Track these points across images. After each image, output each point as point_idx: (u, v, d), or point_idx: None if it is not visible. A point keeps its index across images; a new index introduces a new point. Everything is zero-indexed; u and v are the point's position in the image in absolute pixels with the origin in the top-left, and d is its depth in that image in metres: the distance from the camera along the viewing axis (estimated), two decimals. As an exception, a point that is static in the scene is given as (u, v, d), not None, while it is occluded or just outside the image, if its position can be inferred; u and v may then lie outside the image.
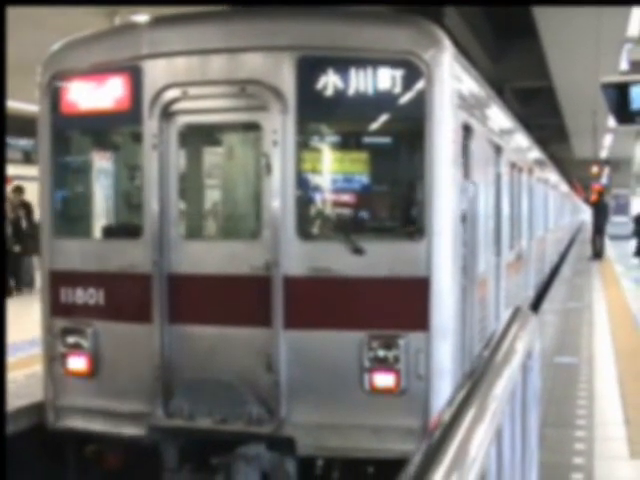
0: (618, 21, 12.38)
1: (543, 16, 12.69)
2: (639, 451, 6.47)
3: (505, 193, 11.19)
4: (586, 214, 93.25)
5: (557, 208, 28.25)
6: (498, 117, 11.01)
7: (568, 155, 41.01)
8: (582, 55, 15.69)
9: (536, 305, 15.58)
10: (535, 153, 18.52)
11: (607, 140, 31.29)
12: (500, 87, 24.78)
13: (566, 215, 39.42)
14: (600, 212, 29.80)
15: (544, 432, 6.86)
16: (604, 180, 47.76)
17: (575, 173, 56.65)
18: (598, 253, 28.31)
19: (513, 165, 12.50)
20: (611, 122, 17.52)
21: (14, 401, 7.85)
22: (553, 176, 26.29)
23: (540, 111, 30.05)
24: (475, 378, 2.78)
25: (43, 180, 7.58)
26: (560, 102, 22.09)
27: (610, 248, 32.72)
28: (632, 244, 40.43)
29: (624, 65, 11.16)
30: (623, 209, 46.60)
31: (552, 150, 37.52)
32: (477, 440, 2.28)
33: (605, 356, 10.51)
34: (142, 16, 12.05)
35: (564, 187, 38.95)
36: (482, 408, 2.52)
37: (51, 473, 7.76)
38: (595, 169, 39.91)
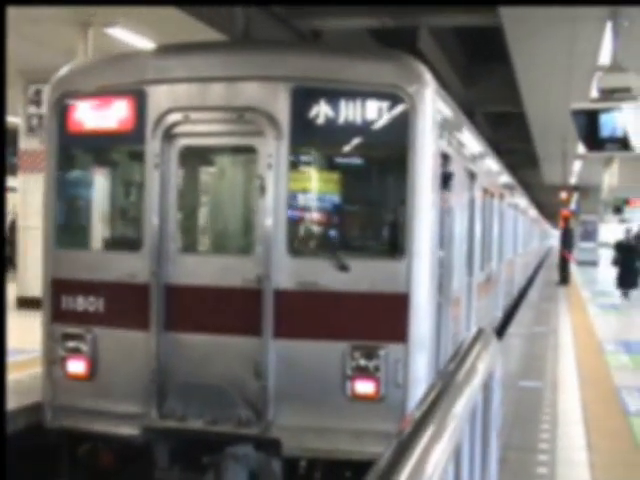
0: (590, 49, 12.50)
1: (515, 42, 12.79)
2: (601, 476, 6.50)
3: (477, 217, 11.91)
4: (554, 239, 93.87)
5: (525, 232, 29.16)
6: (473, 145, 11.58)
7: (537, 180, 41.26)
8: (553, 82, 15.82)
9: (504, 327, 16.01)
10: (506, 179, 19.22)
11: (576, 166, 31.50)
12: (471, 111, 24.92)
13: (534, 239, 39.69)
14: (567, 237, 30.15)
15: (507, 455, 6.88)
16: (573, 206, 48.12)
17: (544, 198, 56.94)
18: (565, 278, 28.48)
19: (485, 190, 13.22)
20: (580, 149, 17.65)
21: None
22: (522, 201, 27.31)
23: (511, 136, 30.25)
24: (435, 396, 2.78)
25: (47, 193, 8.05)
26: (530, 127, 22.24)
27: (577, 274, 32.92)
28: (603, 271, 40.74)
29: (594, 93, 11.26)
30: (591, 235, 46.96)
31: (522, 175, 37.74)
32: (434, 458, 2.29)
33: (569, 381, 10.55)
34: (116, 29, 12.05)
35: (533, 212, 39.25)
36: (441, 426, 2.53)
37: (47, 471, 8.09)
38: (564, 195, 40.20)
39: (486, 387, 3.62)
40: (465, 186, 10.27)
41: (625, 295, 23.75)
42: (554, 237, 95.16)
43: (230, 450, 7.17)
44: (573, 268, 30.32)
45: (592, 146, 10.92)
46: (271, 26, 14.28)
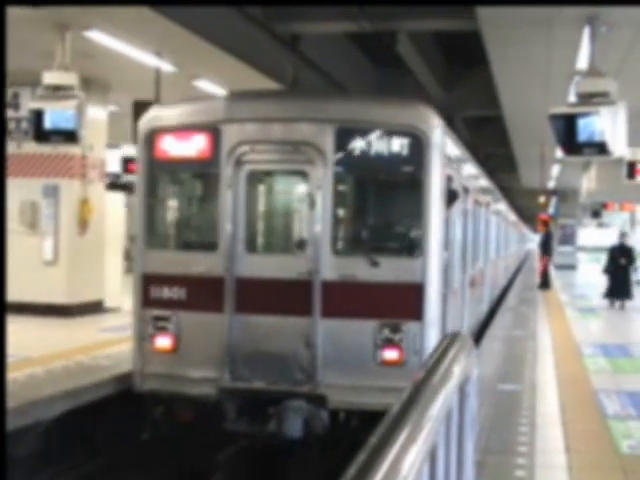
0: (568, 54, 12.56)
1: (493, 47, 12.83)
2: (579, 479, 6.52)
3: (470, 224, 14.47)
4: (533, 243, 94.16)
5: (505, 237, 30.99)
6: (467, 166, 14.12)
7: (516, 184, 41.38)
8: (531, 86, 15.88)
9: (487, 323, 17.60)
10: (490, 190, 21.96)
11: (555, 170, 31.63)
12: (451, 115, 24.97)
13: (513, 243, 39.87)
14: (547, 241, 29.98)
15: (486, 459, 6.90)
16: (551, 210, 48.32)
17: (523, 202, 57.13)
18: (545, 282, 28.39)
19: (475, 201, 15.81)
20: (559, 153, 17.74)
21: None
22: (503, 208, 29.78)
23: (489, 140, 30.32)
24: (411, 398, 2.79)
25: (139, 205, 10.12)
26: (509, 132, 22.32)
27: (556, 277, 33.03)
28: (582, 275, 40.92)
29: (572, 97, 11.30)
30: (570, 239, 47.15)
31: (500, 179, 37.83)
32: (410, 459, 2.31)
33: (548, 384, 10.60)
34: (94, 32, 12.00)
35: (512, 216, 39.47)
36: (416, 427, 2.54)
37: (134, 428, 10.03)
38: (542, 199, 40.33)
39: (462, 391, 3.66)
40: (461, 199, 12.15)
41: (621, 307, 21.83)
42: (533, 241, 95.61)
43: (288, 403, 9.21)
44: (552, 272, 30.37)
45: (570, 151, 10.96)
46: (249, 30, 14.28)
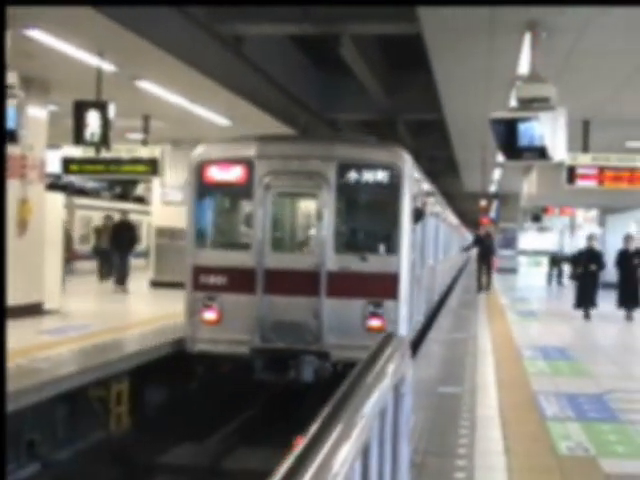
0: (509, 59, 12.67)
1: (435, 51, 12.91)
2: (518, 480, 6.59)
3: (427, 230, 18.21)
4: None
5: (451, 240, 33.39)
6: (426, 186, 17.84)
7: (458, 188, 41.68)
8: (473, 91, 16.00)
9: (434, 315, 20.10)
10: (440, 202, 25.33)
11: (496, 174, 31.91)
12: (393, 119, 25.09)
13: (455, 246, 40.17)
14: (484, 245, 29.88)
15: (426, 461, 6.95)
16: (492, 214, 48.73)
17: (465, 206, 57.55)
18: (486, 286, 28.44)
19: (431, 212, 19.34)
20: (500, 157, 17.89)
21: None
22: (449, 215, 32.84)
23: (431, 144, 30.51)
24: (344, 395, 2.82)
25: (190, 216, 13.96)
26: (450, 136, 22.46)
27: (497, 281, 33.29)
28: (522, 279, 41.30)
29: (513, 102, 11.41)
30: (511, 243, 47.61)
31: (443, 183, 38.05)
32: (342, 456, 2.33)
33: (488, 386, 10.69)
34: (35, 31, 11.84)
35: (455, 221, 39.81)
36: (349, 424, 2.57)
37: (185, 381, 14.27)
38: (483, 203, 40.68)
39: (397, 391, 3.71)
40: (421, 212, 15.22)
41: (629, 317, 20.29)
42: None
43: (303, 358, 13.10)
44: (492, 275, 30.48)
45: (510, 155, 11.08)
46: (192, 31, 14.23)
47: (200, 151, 13.97)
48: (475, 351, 13.93)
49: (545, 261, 48.40)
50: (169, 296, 22.12)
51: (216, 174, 13.72)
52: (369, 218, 14.47)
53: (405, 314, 13.32)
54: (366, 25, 15.36)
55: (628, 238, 20.94)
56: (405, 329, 13.29)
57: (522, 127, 10.62)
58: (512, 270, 44.50)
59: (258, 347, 13.30)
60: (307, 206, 14.50)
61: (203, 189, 13.92)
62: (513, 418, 8.87)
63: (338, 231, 13.48)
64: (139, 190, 42.29)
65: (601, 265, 20.86)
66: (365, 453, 2.87)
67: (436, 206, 21.86)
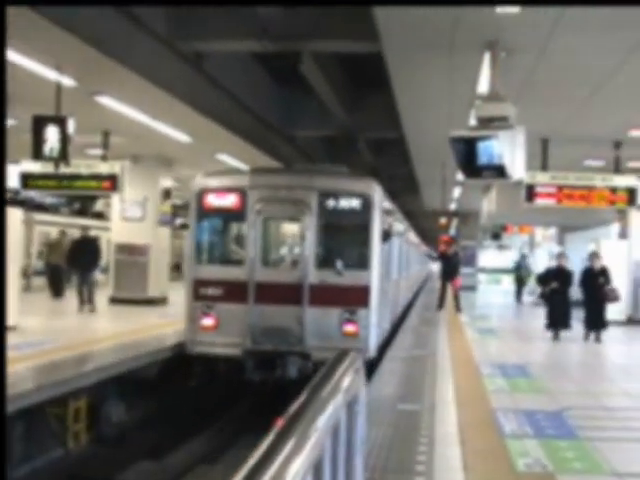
0: (468, 78, 12.80)
1: (395, 69, 13.00)
2: (476, 497, 6.61)
3: (392, 249, 20.02)
4: (435, 264, 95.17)
5: (411, 258, 34.01)
6: (392, 210, 19.70)
7: (418, 206, 41.90)
8: (433, 109, 16.13)
9: (399, 325, 22.15)
10: (404, 223, 27.66)
11: (456, 192, 32.11)
12: (353, 137, 25.19)
13: (415, 264, 40.32)
14: (449, 262, 29.03)
15: (384, 478, 6.95)
16: (452, 231, 48.95)
17: (425, 224, 57.80)
18: (456, 307, 27.75)
19: (396, 232, 21.21)
20: (460, 175, 18.01)
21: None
22: (411, 234, 34.86)
23: (392, 162, 30.66)
24: (298, 409, 2.83)
25: (191, 236, 16.04)
26: (411, 154, 22.60)
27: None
28: (482, 296, 41.51)
29: (473, 121, 11.50)
30: (470, 261, 47.79)
31: (403, 201, 38.21)
32: (294, 469, 2.34)
33: (447, 403, 10.71)
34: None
35: (415, 239, 40.01)
36: (302, 438, 2.58)
37: (185, 377, 16.12)
38: (443, 220, 40.85)
39: (350, 409, 3.72)
40: (387, 233, 17.19)
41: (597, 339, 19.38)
42: (434, 261, 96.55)
43: (288, 358, 15.00)
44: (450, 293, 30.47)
45: (470, 173, 11.16)
46: (152, 46, 14.20)
47: (200, 181, 16.00)
48: (434, 368, 13.97)
49: (505, 278, 48.71)
50: (128, 313, 21.99)
51: (214, 201, 15.71)
52: (344, 239, 16.47)
53: (375, 321, 15.49)
54: (326, 42, 15.43)
55: (594, 256, 19.79)
56: (375, 334, 15.57)
57: (481, 146, 10.71)
58: (472, 288, 44.65)
59: (249, 349, 15.24)
60: (292, 229, 16.60)
61: (202, 213, 15.94)
62: (472, 435, 8.90)
63: (318, 250, 15.50)
64: (98, 206, 42.03)
65: (568, 283, 19.86)
66: (318, 469, 2.88)
67: (399, 226, 23.49)
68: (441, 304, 27.68)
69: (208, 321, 15.43)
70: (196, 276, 15.65)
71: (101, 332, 18.18)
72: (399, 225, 23.25)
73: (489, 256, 53.51)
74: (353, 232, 16.08)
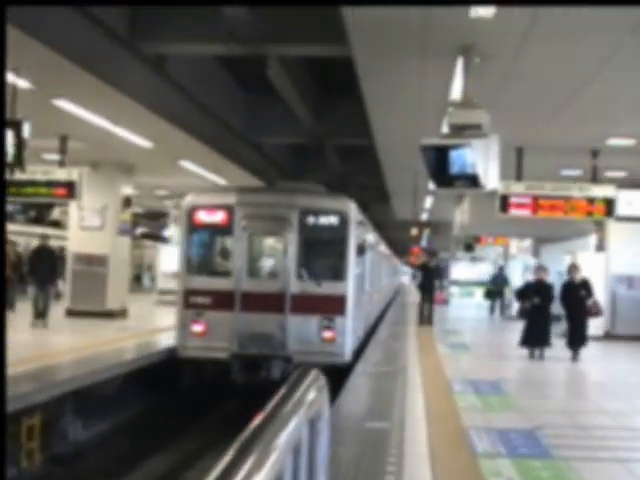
0: (441, 84, 12.83)
1: (365, 75, 13.02)
2: (446, 519, 6.60)
3: (367, 261, 22.72)
4: (405, 276, 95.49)
5: (382, 270, 35.95)
6: (368, 230, 23.31)
7: (389, 216, 41.93)
8: (404, 116, 16.16)
9: (371, 334, 24.02)
10: (376, 236, 30.58)
11: (428, 202, 32.17)
12: (321, 144, 25.21)
13: (386, 276, 40.40)
14: (430, 275, 28.41)
15: (352, 499, 6.93)
16: (424, 243, 49.05)
17: (395, 234, 57.84)
18: (427, 319, 27.49)
19: (369, 246, 23.50)
20: (431, 185, 18.08)
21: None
22: (382, 246, 37.94)
23: (361, 170, 30.69)
24: (259, 426, 2.82)
25: (181, 250, 18.12)
26: (381, 162, 22.64)
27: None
28: (454, 310, 41.60)
29: (445, 128, 11.53)
30: (442, 273, 47.84)
31: (373, 210, 38.23)
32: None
33: (417, 421, 10.72)
34: None
35: (387, 251, 40.09)
36: (263, 455, 2.58)
37: (175, 379, 17.92)
38: (415, 231, 40.92)
39: (313, 426, 3.73)
40: (361, 248, 19.52)
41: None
42: (405, 274, 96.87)
43: (272, 361, 17.04)
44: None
45: (441, 183, 11.20)
46: (113, 48, 14.15)
47: (190, 198, 18.10)
48: (404, 384, 13.98)
49: (477, 291, 48.81)
50: (86, 326, 21.85)
51: (203, 217, 17.82)
52: (323, 252, 18.65)
53: (350, 327, 17.72)
54: (294, 46, 15.44)
55: (573, 268, 19.36)
56: (350, 339, 17.81)
57: (454, 154, 10.74)
58: (444, 301, 44.76)
59: (236, 353, 17.24)
60: (275, 243, 18.57)
61: (193, 228, 18.01)
62: (443, 454, 8.90)
63: (299, 262, 17.55)
64: (55, 214, 41.81)
65: (549, 298, 19.41)
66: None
67: (370, 239, 25.65)
68: (422, 319, 27.34)
69: (198, 327, 17.46)
70: (186, 286, 17.72)
71: (56, 346, 18.05)
72: (370, 237, 25.24)
73: (462, 268, 53.54)
74: (331, 246, 18.18)
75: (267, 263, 19.10)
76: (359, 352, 18.83)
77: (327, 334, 17.27)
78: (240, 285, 17.28)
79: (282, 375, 16.57)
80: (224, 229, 17.88)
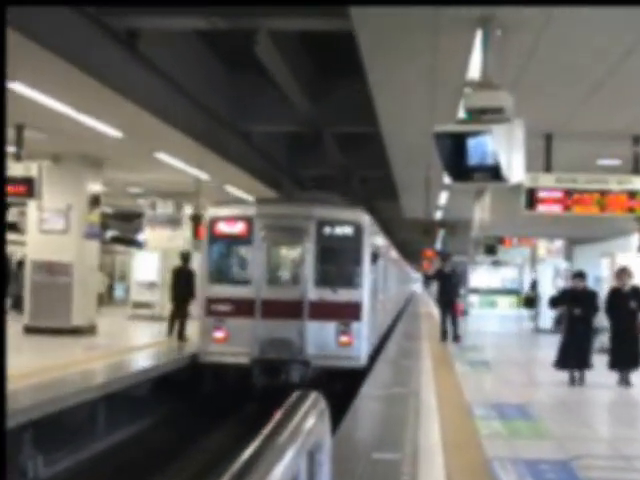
0: (457, 62, 12.80)
1: (369, 52, 12.98)
2: None
3: (379, 269, 26.51)
4: (417, 284, 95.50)
5: (389, 277, 36.81)
6: (380, 238, 28.02)
7: (397, 214, 41.86)
8: (414, 99, 16.09)
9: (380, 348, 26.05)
10: (387, 245, 34.61)
11: (442, 199, 32.14)
12: (318, 131, 25.19)
13: (393, 284, 40.42)
14: (448, 282, 28.64)
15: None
16: (438, 245, 49.02)
17: (404, 236, 57.82)
18: (454, 335, 27.41)
19: (381, 255, 27.32)
20: (447, 178, 18.04)
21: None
22: (393, 253, 41.85)
23: (365, 161, 30.70)
24: (249, 459, 2.83)
25: (203, 259, 21.90)
26: (388, 152, 22.60)
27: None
28: (474, 322, 41.59)
29: (461, 113, 11.49)
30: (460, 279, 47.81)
31: (378, 208, 38.20)
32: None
33: (433, 450, 10.71)
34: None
35: (396, 256, 40.12)
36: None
37: (196, 384, 21.35)
38: (427, 232, 40.86)
39: (312, 457, 3.75)
40: (373, 256, 22.66)
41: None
42: (417, 281, 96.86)
43: (291, 365, 20.41)
44: (437, 318, 30.51)
45: (458, 176, 11.14)
46: (79, 24, 14.13)
47: (212, 211, 21.80)
48: (417, 409, 13.99)
49: (501, 301, 48.84)
50: (47, 345, 21.81)
51: (224, 228, 21.28)
52: (339, 261, 22.03)
53: (366, 333, 21.15)
54: (287, 20, 15.43)
55: (623, 273, 18.41)
56: (366, 344, 21.11)
57: (472, 143, 10.70)
58: (461, 312, 44.73)
59: (257, 358, 20.55)
60: (294, 252, 21.94)
61: (214, 238, 21.47)
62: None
63: (317, 271, 20.94)
64: (11, 216, 41.76)
65: (594, 309, 18.61)
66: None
67: (383, 247, 30.02)
68: (445, 334, 27.34)
69: (220, 334, 20.88)
70: (208, 295, 21.27)
71: (10, 369, 18.03)
72: (382, 244, 29.55)
73: (482, 274, 53.53)
74: (346, 255, 21.71)
75: (285, 272, 22.58)
76: (373, 358, 22.17)
77: (344, 338, 20.67)
78: (260, 293, 20.76)
79: (301, 378, 20.28)
80: (244, 239, 21.36)
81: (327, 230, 21.07)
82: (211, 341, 20.99)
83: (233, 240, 21.75)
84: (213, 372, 21.52)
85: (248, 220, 21.15)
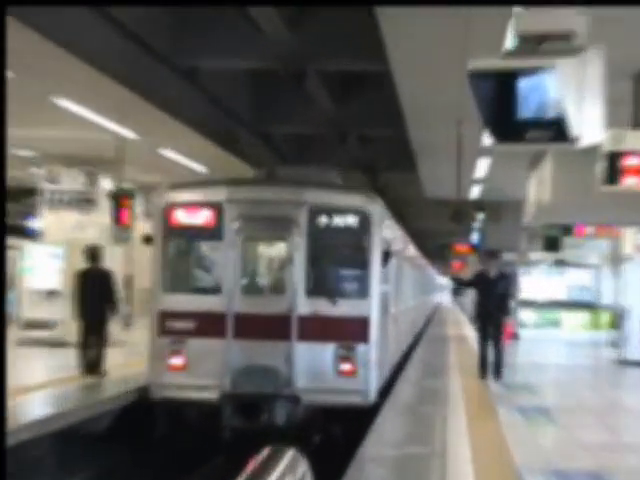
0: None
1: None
2: None
3: (392, 273, 27.70)
4: (444, 292, 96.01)
5: (409, 287, 40.76)
6: (394, 230, 28.89)
7: (413, 192, 41.94)
8: (439, 23, 16.13)
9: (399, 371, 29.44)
10: (405, 243, 37.81)
11: (480, 170, 32.17)
12: (301, 70, 25.26)
13: (410, 293, 40.55)
14: (494, 291, 27.53)
15: None
16: (474, 238, 49.00)
17: (426, 224, 57.91)
18: (497, 367, 26.88)
19: (395, 253, 27.83)
20: (487, 139, 17.98)
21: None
22: (412, 250, 45.36)
23: (366, 114, 30.71)
24: None
25: (155, 260, 21.98)
26: (401, 101, 22.69)
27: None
28: (525, 347, 41.68)
29: (509, 42, 11.41)
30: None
31: (387, 183, 38.23)
32: None
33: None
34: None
35: (415, 254, 40.49)
36: None
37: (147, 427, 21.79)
38: (459, 218, 40.85)
39: None
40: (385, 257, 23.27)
41: None
42: (443, 289, 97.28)
43: (275, 402, 20.81)
44: (473, 343, 30.40)
45: (504, 134, 11.10)
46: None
47: (167, 196, 22.19)
48: (444, 477, 14.02)
49: (567, 318, 48.93)
50: None
51: (184, 218, 21.86)
52: (339, 262, 23.10)
53: (376, 358, 21.63)
54: None
55: None
56: (375, 374, 21.64)
57: (524, 86, 10.67)
58: (511, 335, 44.73)
59: (228, 393, 21.01)
60: (278, 250, 22.81)
61: (169, 232, 22.07)
62: None
63: (309, 276, 21.48)
64: None
65: None
66: None
67: (398, 245, 31.52)
68: (484, 368, 27.02)
69: (177, 360, 21.33)
70: (162, 307, 21.66)
71: None
72: (396, 240, 30.64)
73: (540, 280, 53.35)
74: (349, 254, 22.81)
75: (267, 277, 23.67)
76: (386, 392, 23.24)
77: (345, 366, 21.27)
78: (233, 305, 21.26)
79: (287, 420, 20.86)
80: (211, 233, 22.03)
81: (323, 221, 21.52)
82: (165, 370, 21.26)
83: (196, 234, 22.27)
84: (166, 412, 21.76)
85: (216, 207, 21.62)
